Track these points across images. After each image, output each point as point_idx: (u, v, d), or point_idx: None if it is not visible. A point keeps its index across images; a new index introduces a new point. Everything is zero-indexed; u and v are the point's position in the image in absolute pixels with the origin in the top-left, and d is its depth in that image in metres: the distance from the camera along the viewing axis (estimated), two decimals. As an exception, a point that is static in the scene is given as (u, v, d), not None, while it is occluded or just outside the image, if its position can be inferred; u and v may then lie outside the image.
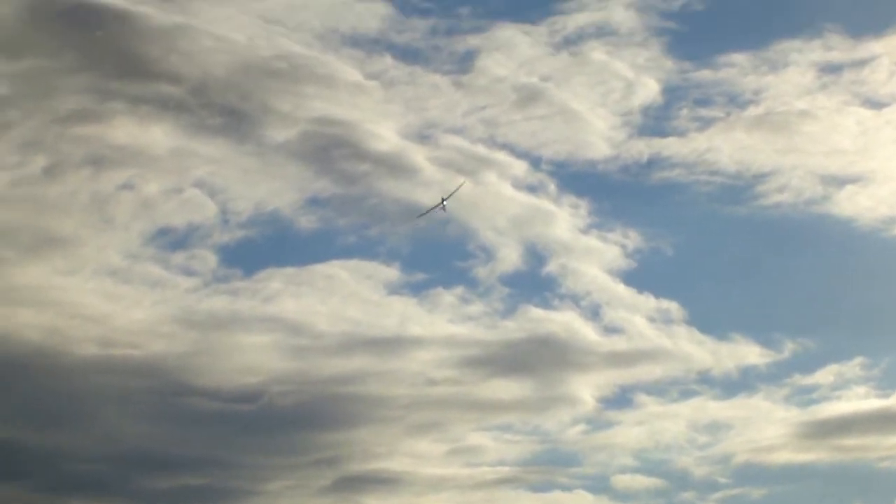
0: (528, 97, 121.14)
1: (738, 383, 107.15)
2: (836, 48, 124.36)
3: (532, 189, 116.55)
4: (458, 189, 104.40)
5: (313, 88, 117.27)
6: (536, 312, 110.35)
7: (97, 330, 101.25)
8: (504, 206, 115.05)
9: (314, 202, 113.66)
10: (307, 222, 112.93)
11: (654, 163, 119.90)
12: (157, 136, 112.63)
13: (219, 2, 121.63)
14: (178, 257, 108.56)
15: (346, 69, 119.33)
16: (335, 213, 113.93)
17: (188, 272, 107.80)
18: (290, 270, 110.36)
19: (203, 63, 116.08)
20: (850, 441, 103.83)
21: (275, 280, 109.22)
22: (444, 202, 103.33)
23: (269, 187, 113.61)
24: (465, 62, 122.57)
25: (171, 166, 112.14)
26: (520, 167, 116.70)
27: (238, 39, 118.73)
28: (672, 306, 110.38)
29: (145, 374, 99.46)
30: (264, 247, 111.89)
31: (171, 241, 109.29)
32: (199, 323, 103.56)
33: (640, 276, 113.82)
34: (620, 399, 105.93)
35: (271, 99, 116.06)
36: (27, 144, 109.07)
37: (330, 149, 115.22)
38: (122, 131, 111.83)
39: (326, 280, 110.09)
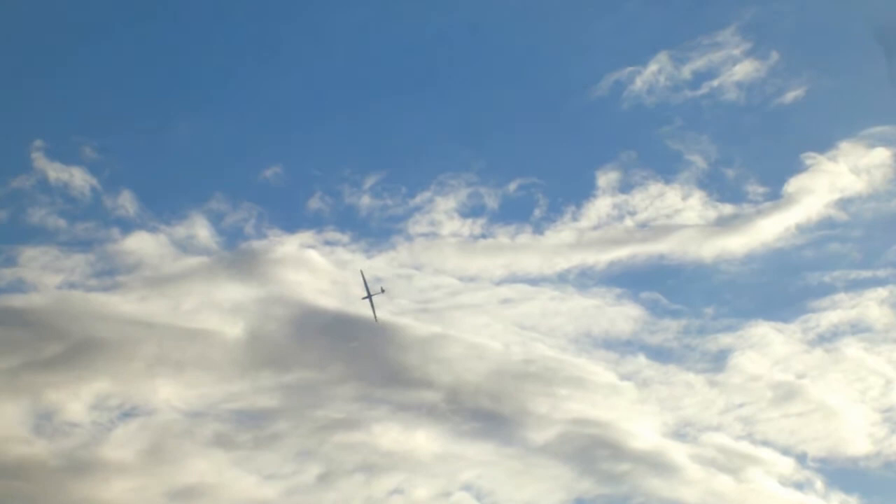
0: (785, 394, 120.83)
1: None
2: None
3: (799, 486, 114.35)
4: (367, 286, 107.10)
5: (568, 390, 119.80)
6: None
7: None
8: (771, 503, 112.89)
9: (579, 503, 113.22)
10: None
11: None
12: (422, 441, 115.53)
13: (474, 311, 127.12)
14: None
15: (600, 371, 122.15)
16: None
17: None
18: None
19: (460, 370, 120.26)
20: None
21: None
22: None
23: (534, 489, 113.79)
24: (718, 361, 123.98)
25: (438, 470, 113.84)
26: (786, 464, 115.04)
27: (493, 346, 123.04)
28: None
29: None
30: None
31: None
32: None
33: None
34: None
35: (528, 402, 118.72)
36: (300, 453, 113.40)
37: (590, 449, 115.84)
38: (388, 437, 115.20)
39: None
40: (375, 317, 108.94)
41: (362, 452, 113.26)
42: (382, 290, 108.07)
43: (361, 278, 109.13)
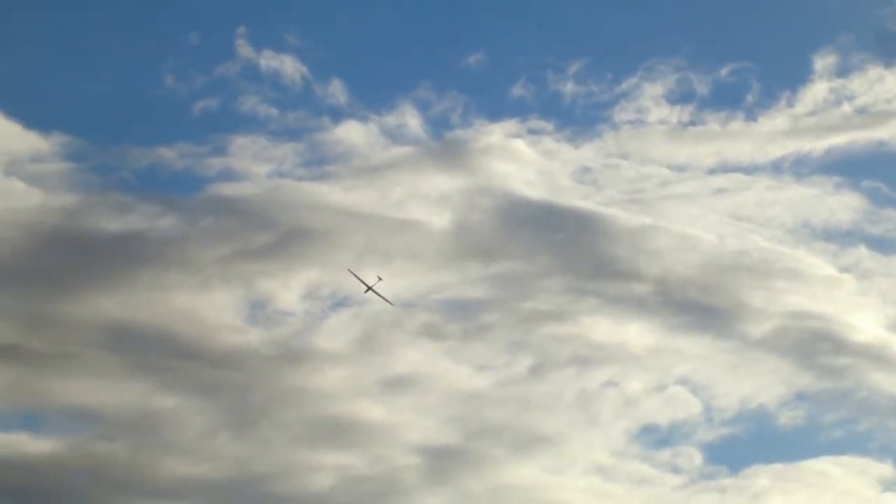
0: None
1: None
2: None
3: None
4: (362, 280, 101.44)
5: (785, 283, 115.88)
6: None
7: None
8: None
9: (799, 397, 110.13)
10: (791, 418, 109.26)
11: None
12: (633, 333, 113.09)
13: (685, 201, 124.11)
14: (664, 454, 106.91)
15: (819, 263, 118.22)
16: (821, 409, 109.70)
17: (674, 469, 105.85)
18: (777, 467, 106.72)
19: (671, 261, 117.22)
20: None
21: (762, 477, 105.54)
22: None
23: (752, 383, 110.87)
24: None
25: (652, 364, 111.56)
26: None
27: (705, 237, 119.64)
28: None
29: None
30: (749, 443, 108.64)
31: (656, 438, 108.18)
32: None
33: None
34: None
35: (743, 294, 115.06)
36: (511, 345, 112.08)
37: (809, 343, 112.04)
38: (599, 330, 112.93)
39: (817, 476, 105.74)
40: (389, 302, 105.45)
41: (573, 345, 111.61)
42: (379, 279, 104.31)
43: (353, 275, 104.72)
